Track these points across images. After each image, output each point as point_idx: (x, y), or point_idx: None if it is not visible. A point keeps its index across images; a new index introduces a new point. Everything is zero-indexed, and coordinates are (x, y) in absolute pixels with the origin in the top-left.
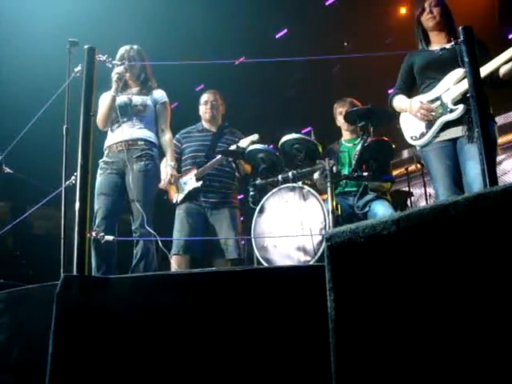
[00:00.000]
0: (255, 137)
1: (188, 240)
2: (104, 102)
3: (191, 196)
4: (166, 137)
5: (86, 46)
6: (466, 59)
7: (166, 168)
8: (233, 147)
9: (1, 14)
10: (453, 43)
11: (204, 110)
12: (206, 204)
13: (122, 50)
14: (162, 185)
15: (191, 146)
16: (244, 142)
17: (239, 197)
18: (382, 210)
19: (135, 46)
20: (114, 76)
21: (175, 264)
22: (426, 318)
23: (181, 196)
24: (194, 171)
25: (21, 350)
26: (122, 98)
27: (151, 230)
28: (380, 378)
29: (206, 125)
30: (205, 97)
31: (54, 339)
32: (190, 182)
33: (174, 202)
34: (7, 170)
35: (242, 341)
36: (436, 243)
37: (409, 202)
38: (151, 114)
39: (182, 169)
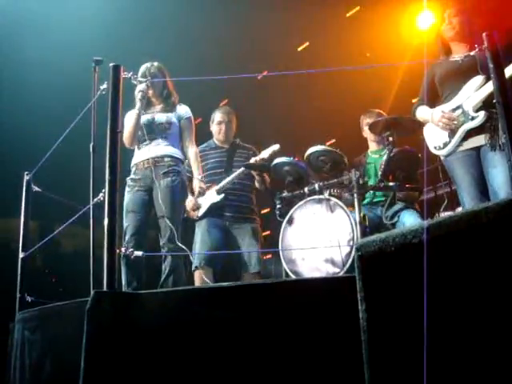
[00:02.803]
0: (276, 147)
1: (210, 253)
2: (129, 120)
3: (212, 210)
4: (192, 151)
5: (111, 64)
6: (491, 65)
7: (194, 182)
8: (254, 159)
9: (26, 33)
10: (476, 50)
11: (217, 130)
12: (228, 218)
13: (143, 68)
14: (190, 204)
15: (208, 163)
16: (265, 153)
17: (265, 210)
18: (410, 220)
19: (156, 63)
20: (138, 95)
21: (197, 277)
22: (460, 327)
23: (201, 211)
24: (215, 187)
25: (52, 367)
26: (146, 117)
27: (183, 246)
28: None
29: (218, 142)
30: (218, 117)
31: (86, 355)
32: (211, 196)
33: (195, 217)
34: (36, 188)
35: (273, 354)
36: (468, 250)
37: (436, 212)
38: (176, 130)
39: None
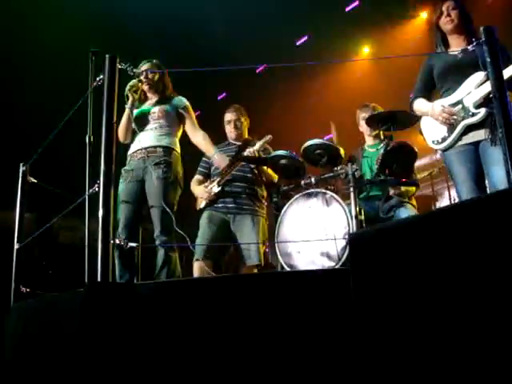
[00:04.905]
0: (267, 137)
1: (210, 245)
2: (123, 115)
3: (213, 202)
4: (199, 135)
5: (107, 55)
6: (488, 59)
7: (213, 158)
8: (248, 151)
9: (21, 24)
10: (474, 44)
11: (229, 130)
12: (229, 210)
13: (141, 65)
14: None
15: None
16: (258, 145)
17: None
18: (406, 215)
19: (154, 60)
20: (126, 89)
21: (197, 269)
22: (452, 316)
23: (203, 203)
24: (218, 179)
25: (47, 357)
26: (141, 109)
27: (185, 235)
28: (405, 376)
29: (231, 141)
30: (228, 116)
31: (80, 346)
32: (213, 188)
33: (198, 208)
34: (32, 179)
35: (267, 345)
36: (461, 242)
37: (433, 207)
38: (171, 120)
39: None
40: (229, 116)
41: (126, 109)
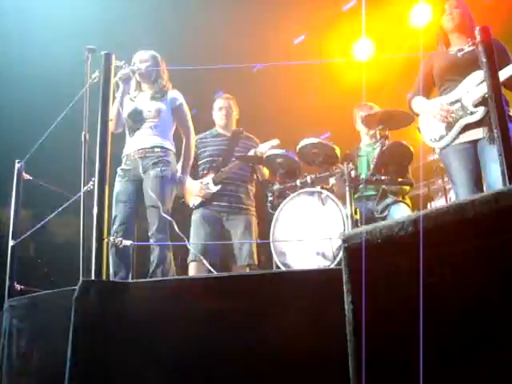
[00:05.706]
0: (275, 142)
1: (204, 246)
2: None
3: (208, 200)
4: (184, 143)
5: (102, 52)
6: (484, 59)
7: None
8: (251, 152)
9: (18, 21)
10: (470, 44)
11: (219, 117)
12: (222, 209)
13: (136, 55)
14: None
15: (207, 150)
16: (264, 147)
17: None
18: (401, 214)
19: (151, 51)
20: (117, 77)
21: (193, 270)
22: (444, 319)
23: (198, 200)
24: (212, 175)
25: (40, 355)
26: (135, 104)
27: (180, 233)
28: (399, 376)
29: (220, 130)
30: (219, 103)
31: (73, 343)
32: (209, 185)
33: (191, 205)
34: (27, 176)
35: (263, 343)
36: (454, 243)
37: (429, 206)
38: (167, 118)
39: (200, 173)
40: (221, 103)
41: (116, 98)
